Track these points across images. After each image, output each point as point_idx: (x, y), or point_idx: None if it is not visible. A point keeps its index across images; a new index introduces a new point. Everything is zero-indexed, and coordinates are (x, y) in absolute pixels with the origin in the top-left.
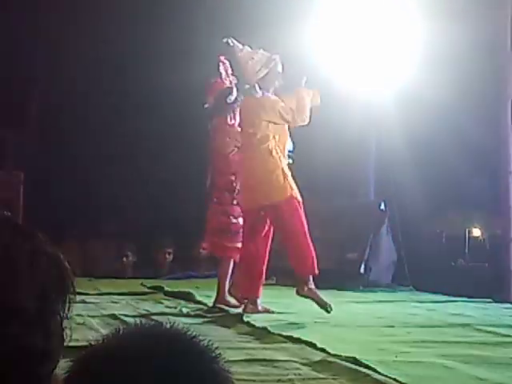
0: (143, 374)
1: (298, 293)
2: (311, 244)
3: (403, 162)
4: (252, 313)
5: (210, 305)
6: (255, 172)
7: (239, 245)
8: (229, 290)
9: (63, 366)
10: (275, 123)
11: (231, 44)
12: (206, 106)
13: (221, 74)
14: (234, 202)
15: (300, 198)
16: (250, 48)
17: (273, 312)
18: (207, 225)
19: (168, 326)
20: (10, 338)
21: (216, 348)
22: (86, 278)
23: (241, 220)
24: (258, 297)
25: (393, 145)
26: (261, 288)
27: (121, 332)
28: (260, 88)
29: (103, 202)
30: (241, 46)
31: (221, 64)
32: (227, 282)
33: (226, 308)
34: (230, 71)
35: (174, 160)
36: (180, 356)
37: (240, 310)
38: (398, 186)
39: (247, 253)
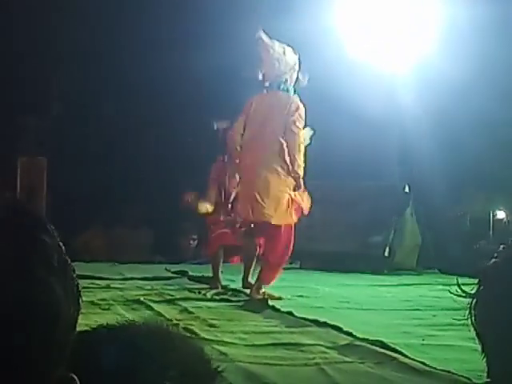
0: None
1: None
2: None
3: (427, 144)
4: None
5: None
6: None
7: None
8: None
9: None
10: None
11: (263, 40)
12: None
13: None
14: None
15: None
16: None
17: (280, 298)
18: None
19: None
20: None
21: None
22: (110, 262)
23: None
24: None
25: (416, 127)
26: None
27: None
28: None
29: (128, 187)
30: (271, 43)
31: None
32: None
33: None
34: None
35: (198, 147)
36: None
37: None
38: (422, 168)
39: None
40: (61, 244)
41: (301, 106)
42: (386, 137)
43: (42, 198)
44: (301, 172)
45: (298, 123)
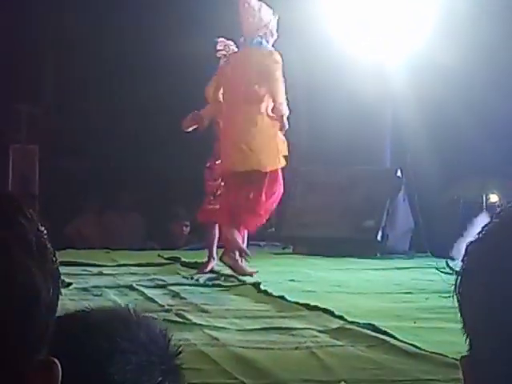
0: None
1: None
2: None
3: (419, 129)
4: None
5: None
6: (254, 135)
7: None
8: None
9: None
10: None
11: None
12: None
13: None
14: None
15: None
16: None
17: (251, 275)
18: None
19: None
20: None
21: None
22: (103, 249)
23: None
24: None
25: (409, 111)
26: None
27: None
28: (263, 39)
29: (120, 174)
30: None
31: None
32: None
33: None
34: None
35: (192, 134)
36: None
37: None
38: (415, 152)
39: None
40: (41, 228)
41: (279, 59)
42: (379, 121)
43: (34, 185)
44: (285, 111)
45: (278, 72)
